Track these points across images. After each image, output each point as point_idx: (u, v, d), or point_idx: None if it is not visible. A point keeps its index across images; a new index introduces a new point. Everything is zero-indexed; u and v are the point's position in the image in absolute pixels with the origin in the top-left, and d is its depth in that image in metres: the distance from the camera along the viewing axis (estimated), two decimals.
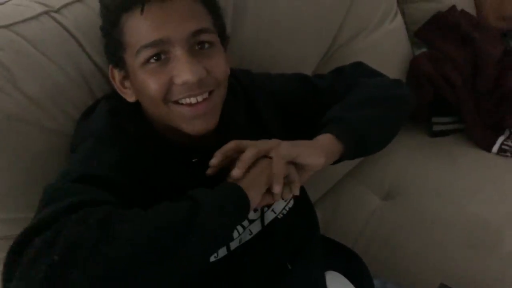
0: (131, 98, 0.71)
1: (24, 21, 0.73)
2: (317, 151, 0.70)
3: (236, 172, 0.63)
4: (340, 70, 0.93)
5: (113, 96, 0.75)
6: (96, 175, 0.61)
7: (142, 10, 0.63)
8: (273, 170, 0.65)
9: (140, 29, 0.64)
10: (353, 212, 1.18)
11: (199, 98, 0.66)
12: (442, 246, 1.05)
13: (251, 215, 0.76)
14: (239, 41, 0.96)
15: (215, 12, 0.71)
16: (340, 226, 1.13)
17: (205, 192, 0.59)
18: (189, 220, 0.54)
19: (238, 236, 0.74)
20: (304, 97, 0.86)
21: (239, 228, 0.74)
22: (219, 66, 0.68)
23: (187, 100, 0.66)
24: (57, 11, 0.76)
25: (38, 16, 0.75)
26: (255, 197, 0.62)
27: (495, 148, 1.24)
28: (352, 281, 0.86)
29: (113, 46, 0.68)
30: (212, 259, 0.71)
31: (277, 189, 0.64)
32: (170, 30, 0.63)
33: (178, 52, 0.64)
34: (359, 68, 0.94)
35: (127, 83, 0.71)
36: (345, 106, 0.81)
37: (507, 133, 1.25)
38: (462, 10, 1.38)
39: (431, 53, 1.33)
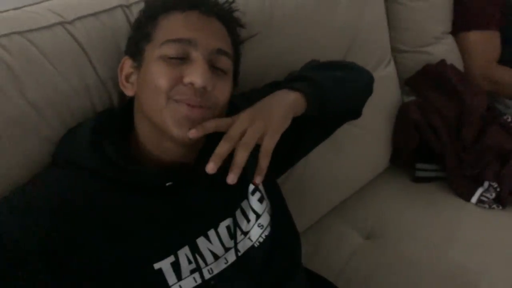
0: (130, 92, 0.74)
1: (38, 29, 0.75)
2: (287, 120, 0.72)
3: (210, 167, 0.63)
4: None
5: (104, 114, 0.77)
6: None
7: (184, 11, 0.70)
8: (260, 164, 0.66)
9: (174, 26, 0.70)
10: (335, 249, 1.18)
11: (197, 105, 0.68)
12: None
13: (228, 242, 0.75)
14: (245, 69, 0.97)
15: (236, 47, 0.78)
16: (322, 262, 1.13)
17: None
18: None
19: (213, 263, 0.72)
20: None
21: (209, 258, 0.72)
22: (224, 91, 0.71)
23: (187, 100, 0.67)
24: (71, 22, 0.78)
25: (52, 26, 0.76)
26: None
27: (474, 199, 1.28)
28: None
29: (139, 37, 0.73)
30: None
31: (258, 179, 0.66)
32: (201, 36, 0.69)
33: (198, 56, 0.68)
34: (313, 60, 0.99)
35: (131, 78, 0.74)
36: (308, 68, 0.88)
37: (486, 185, 1.28)
38: (451, 65, 1.44)
39: (420, 102, 1.38)
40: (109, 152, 0.68)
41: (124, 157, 0.68)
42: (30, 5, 0.81)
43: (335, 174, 1.23)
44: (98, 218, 0.65)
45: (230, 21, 0.78)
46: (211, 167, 0.63)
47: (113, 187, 0.67)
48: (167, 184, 0.69)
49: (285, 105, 0.75)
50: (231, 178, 0.64)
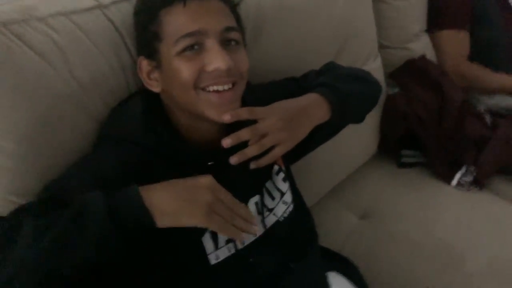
0: (156, 89, 0.77)
1: (80, 11, 0.78)
2: (306, 133, 0.80)
3: (226, 141, 0.71)
4: (317, 70, 1.02)
5: (147, 92, 0.79)
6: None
7: (184, 4, 0.71)
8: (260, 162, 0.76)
9: (180, 21, 0.71)
10: (334, 228, 1.26)
11: (225, 87, 0.72)
12: (413, 266, 1.14)
13: (256, 217, 0.82)
14: (254, 57, 1.03)
15: (238, 18, 0.80)
16: (323, 240, 1.18)
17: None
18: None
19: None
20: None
21: None
22: (243, 60, 0.76)
23: (215, 88, 0.72)
24: (107, 6, 0.82)
25: (91, 9, 0.80)
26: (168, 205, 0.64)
27: (453, 182, 1.39)
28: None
29: (148, 38, 0.74)
30: (222, 257, 0.76)
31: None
32: (207, 23, 0.71)
33: (212, 43, 0.71)
34: (332, 63, 1.05)
35: (153, 75, 0.76)
36: (334, 76, 0.92)
37: (463, 169, 1.39)
38: (430, 60, 1.56)
39: (404, 94, 1.48)
40: (161, 132, 0.73)
41: (174, 138, 0.74)
42: None
43: (330, 159, 1.31)
44: None
45: None
46: (227, 142, 0.71)
47: (163, 164, 0.72)
48: (209, 163, 0.75)
49: (314, 120, 0.83)
50: (234, 160, 0.72)
